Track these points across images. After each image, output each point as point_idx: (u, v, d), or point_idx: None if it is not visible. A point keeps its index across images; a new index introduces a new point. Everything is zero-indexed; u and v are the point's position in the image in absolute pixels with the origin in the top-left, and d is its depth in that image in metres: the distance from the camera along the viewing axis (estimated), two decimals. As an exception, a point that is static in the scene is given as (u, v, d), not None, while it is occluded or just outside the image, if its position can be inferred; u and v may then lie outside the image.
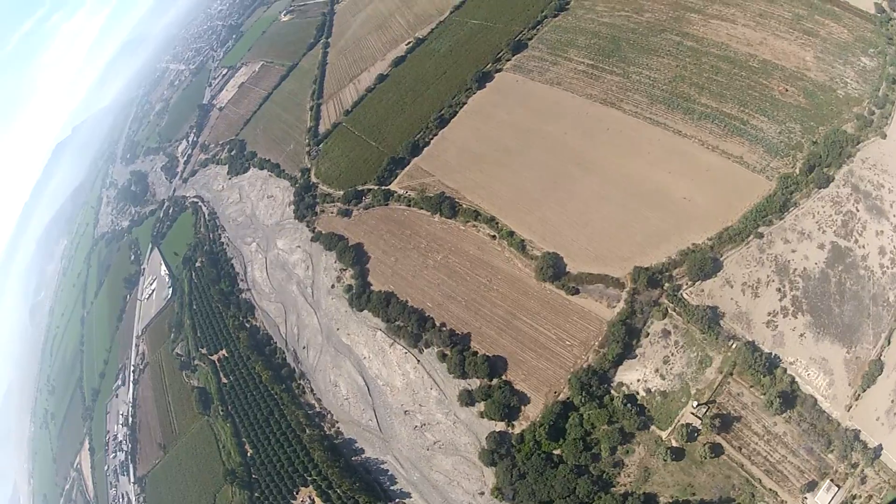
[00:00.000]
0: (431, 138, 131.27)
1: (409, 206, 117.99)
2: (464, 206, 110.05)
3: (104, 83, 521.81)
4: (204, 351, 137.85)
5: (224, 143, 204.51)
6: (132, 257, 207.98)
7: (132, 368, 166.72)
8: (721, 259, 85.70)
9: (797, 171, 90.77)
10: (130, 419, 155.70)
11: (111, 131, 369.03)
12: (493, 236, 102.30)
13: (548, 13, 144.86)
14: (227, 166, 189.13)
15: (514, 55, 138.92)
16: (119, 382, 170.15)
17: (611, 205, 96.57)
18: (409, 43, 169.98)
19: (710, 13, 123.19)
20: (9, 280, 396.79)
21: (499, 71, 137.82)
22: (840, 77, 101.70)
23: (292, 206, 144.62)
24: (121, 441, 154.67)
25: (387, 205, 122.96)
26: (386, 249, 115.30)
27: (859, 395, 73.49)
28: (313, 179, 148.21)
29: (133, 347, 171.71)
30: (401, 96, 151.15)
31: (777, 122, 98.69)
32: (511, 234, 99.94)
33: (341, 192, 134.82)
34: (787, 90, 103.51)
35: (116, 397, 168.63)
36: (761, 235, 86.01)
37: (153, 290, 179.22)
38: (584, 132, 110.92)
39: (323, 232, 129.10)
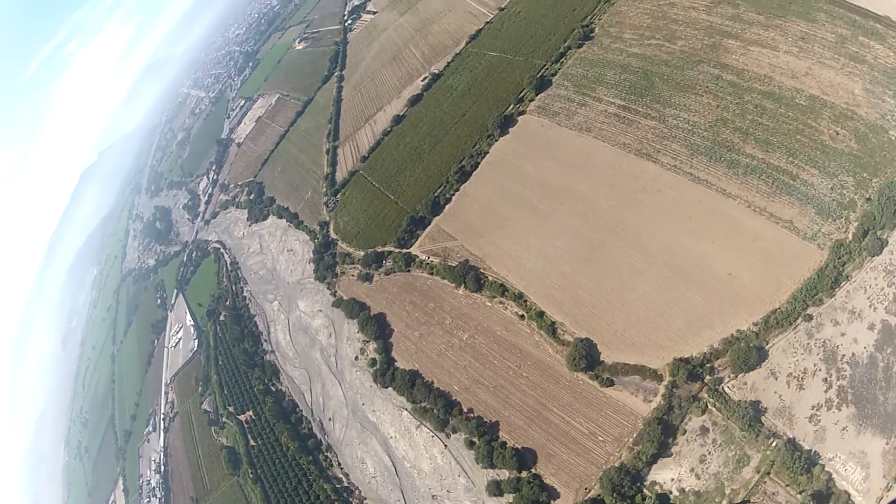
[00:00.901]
0: (453, 194, 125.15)
1: (432, 274, 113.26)
2: (490, 278, 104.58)
3: (129, 105, 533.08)
4: (231, 409, 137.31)
5: (243, 185, 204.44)
6: (158, 301, 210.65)
7: (162, 416, 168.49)
8: (766, 348, 78.92)
9: (850, 236, 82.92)
10: (163, 467, 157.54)
11: (136, 159, 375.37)
12: (522, 316, 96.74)
13: (571, 43, 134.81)
14: (246, 211, 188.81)
15: (537, 94, 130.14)
16: (150, 428, 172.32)
17: (649, 282, 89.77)
18: (424, 78, 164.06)
19: (749, 38, 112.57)
20: (40, 306, 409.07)
21: (522, 113, 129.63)
22: (891, 113, 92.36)
23: (312, 265, 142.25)
24: (154, 487, 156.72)
25: (408, 271, 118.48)
26: (409, 323, 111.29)
27: (891, 486, 67.58)
28: (332, 235, 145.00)
29: (162, 395, 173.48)
30: (418, 142, 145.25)
31: (829, 174, 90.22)
32: (541, 314, 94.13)
33: (361, 254, 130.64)
34: (837, 133, 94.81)
35: (148, 442, 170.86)
36: (810, 318, 78.70)
37: (179, 339, 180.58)
38: (618, 192, 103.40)
39: (344, 297, 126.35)
